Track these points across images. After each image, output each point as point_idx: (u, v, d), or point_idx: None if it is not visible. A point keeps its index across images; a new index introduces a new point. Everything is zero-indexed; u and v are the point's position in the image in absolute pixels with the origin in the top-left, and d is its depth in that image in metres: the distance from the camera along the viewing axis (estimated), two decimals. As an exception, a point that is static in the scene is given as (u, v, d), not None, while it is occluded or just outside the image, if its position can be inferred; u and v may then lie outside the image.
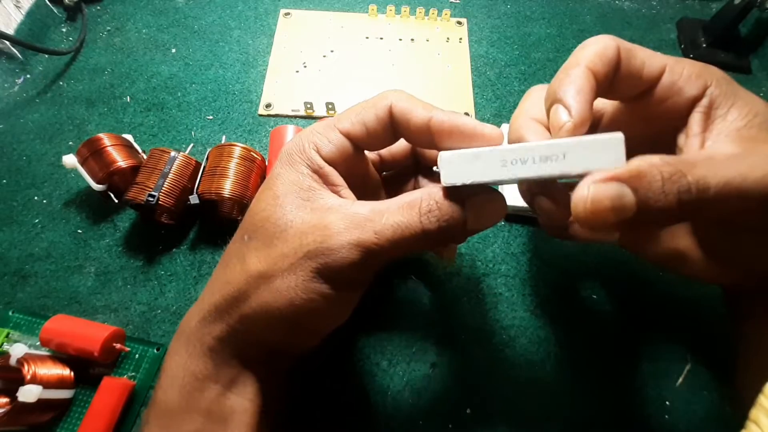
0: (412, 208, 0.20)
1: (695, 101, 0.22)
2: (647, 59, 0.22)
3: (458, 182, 0.19)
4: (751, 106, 0.22)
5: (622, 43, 0.22)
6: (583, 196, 0.18)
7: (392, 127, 0.22)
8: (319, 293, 0.20)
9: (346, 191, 0.22)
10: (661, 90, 0.23)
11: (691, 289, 0.33)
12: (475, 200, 0.20)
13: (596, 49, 0.22)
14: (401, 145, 0.27)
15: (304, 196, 0.21)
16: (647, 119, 0.24)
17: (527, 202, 0.24)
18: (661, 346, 0.31)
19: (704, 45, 0.47)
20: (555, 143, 0.18)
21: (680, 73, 0.22)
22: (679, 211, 0.18)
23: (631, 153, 0.19)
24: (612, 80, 0.22)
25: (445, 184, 0.20)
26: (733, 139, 0.21)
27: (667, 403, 0.30)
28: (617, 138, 0.18)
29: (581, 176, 0.18)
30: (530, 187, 0.24)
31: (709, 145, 0.21)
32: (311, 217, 0.21)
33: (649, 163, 0.18)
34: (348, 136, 0.22)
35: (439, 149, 0.21)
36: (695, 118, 0.22)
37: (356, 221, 0.20)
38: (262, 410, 0.23)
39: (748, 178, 0.18)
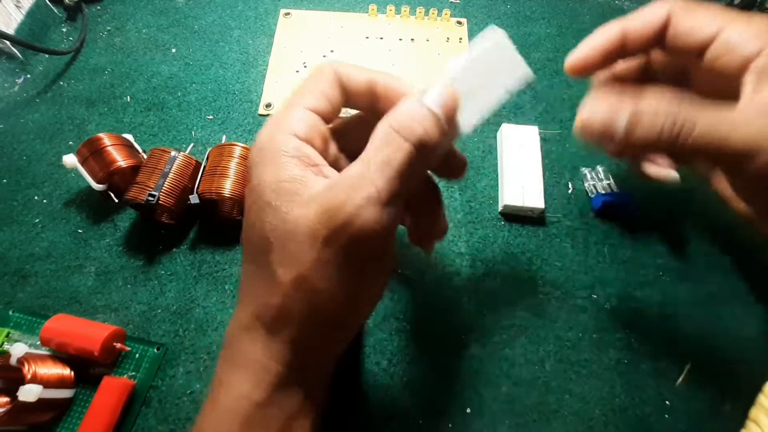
0: (385, 137, 0.20)
1: (749, 60, 0.22)
2: (703, 20, 0.24)
3: (476, 122, 0.22)
4: None
5: (680, 5, 0.24)
6: (579, 116, 0.22)
7: (342, 93, 0.23)
8: (356, 275, 0.20)
9: (328, 169, 0.21)
10: (716, 48, 0.23)
11: (691, 288, 0.34)
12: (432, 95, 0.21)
13: (645, 12, 0.25)
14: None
15: (294, 190, 0.20)
16: (709, 76, 0.25)
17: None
18: (661, 346, 0.32)
19: (704, 45, 0.47)
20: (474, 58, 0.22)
21: (738, 33, 0.23)
22: (654, 146, 0.21)
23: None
24: (659, 39, 0.25)
25: (469, 130, 0.22)
26: (765, 101, 0.21)
27: (667, 403, 0.30)
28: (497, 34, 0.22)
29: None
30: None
31: (744, 104, 0.22)
32: (315, 208, 0.20)
33: (653, 96, 0.21)
34: (316, 111, 0.22)
35: (378, 108, 0.23)
36: (749, 78, 0.22)
37: (352, 186, 0.19)
38: (317, 425, 0.23)
39: (731, 137, 0.21)
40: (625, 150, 0.22)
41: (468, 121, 0.22)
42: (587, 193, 0.37)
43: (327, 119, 0.22)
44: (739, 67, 0.23)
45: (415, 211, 0.26)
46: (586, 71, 0.26)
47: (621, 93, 0.22)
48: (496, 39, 0.22)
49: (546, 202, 0.37)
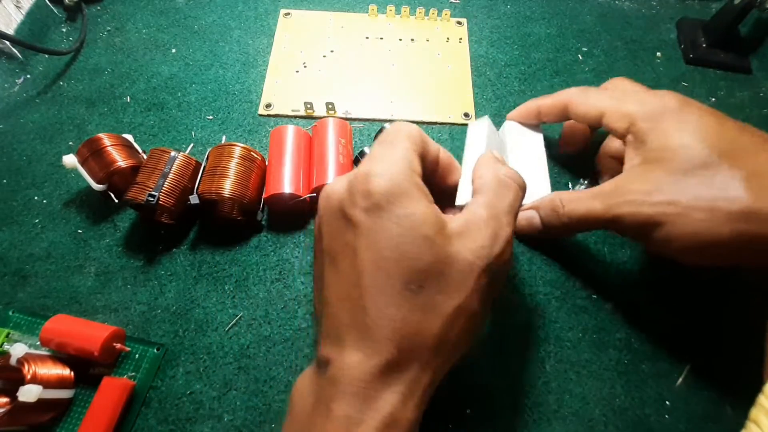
0: (501, 187, 0.25)
1: (624, 137, 0.30)
2: (590, 107, 0.32)
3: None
4: (656, 142, 0.28)
5: (576, 95, 0.33)
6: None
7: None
8: (489, 295, 0.23)
9: (452, 209, 0.28)
10: (604, 130, 0.32)
11: (691, 288, 0.33)
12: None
13: (552, 97, 0.34)
14: None
15: (440, 224, 0.22)
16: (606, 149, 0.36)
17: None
18: (661, 346, 0.31)
19: (704, 45, 0.47)
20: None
21: (614, 111, 0.30)
22: (564, 229, 0.31)
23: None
24: (562, 116, 0.34)
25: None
26: (622, 174, 0.30)
27: (667, 403, 0.30)
28: (479, 121, 0.33)
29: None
30: None
31: (623, 172, 0.30)
32: (465, 245, 0.22)
33: (545, 199, 0.32)
34: (417, 153, 0.25)
35: (434, 176, 0.28)
36: (627, 151, 0.30)
37: (496, 226, 0.23)
38: None
39: (591, 211, 0.29)
40: (545, 235, 0.33)
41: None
42: None
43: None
44: (620, 146, 0.31)
45: None
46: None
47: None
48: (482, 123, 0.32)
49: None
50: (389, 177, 0.22)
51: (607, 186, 0.29)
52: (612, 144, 0.35)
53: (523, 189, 0.26)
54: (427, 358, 0.21)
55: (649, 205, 0.27)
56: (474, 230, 0.22)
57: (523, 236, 0.35)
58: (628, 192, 0.28)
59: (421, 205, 0.22)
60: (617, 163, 0.33)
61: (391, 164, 0.22)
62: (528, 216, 0.33)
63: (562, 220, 0.30)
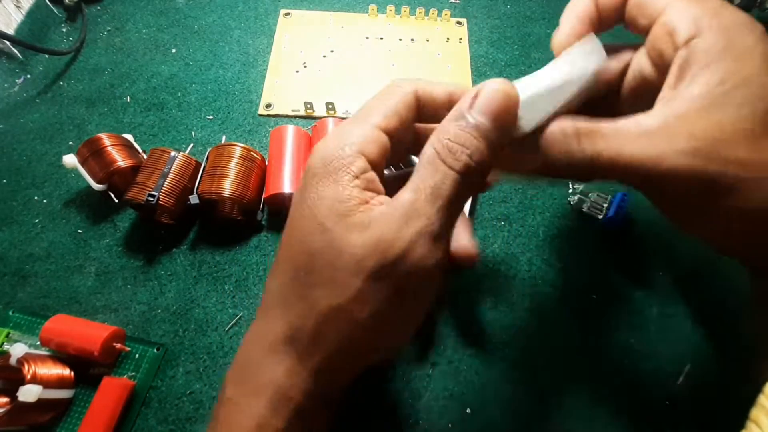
0: (432, 163, 0.19)
1: (678, 48, 0.20)
2: None
3: (536, 123, 0.21)
4: (728, 70, 0.19)
5: None
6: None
7: (415, 113, 0.22)
8: (402, 310, 0.19)
9: (384, 197, 0.20)
10: (656, 30, 0.22)
11: (691, 289, 0.33)
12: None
13: None
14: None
15: (350, 214, 0.19)
16: (653, 60, 0.23)
17: None
18: (661, 346, 0.31)
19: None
20: (562, 58, 0.22)
21: (678, 14, 0.21)
22: (572, 169, 0.21)
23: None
24: (622, 8, 0.23)
25: (527, 130, 0.21)
26: (673, 109, 0.20)
27: (667, 403, 0.30)
28: (591, 36, 0.22)
29: (588, 78, 0.22)
30: None
31: (656, 107, 0.21)
32: (367, 239, 0.18)
33: (556, 126, 0.21)
34: (386, 131, 0.20)
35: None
36: (672, 70, 0.21)
37: (404, 217, 0.18)
38: None
39: (635, 157, 0.19)
40: (549, 174, 0.22)
41: (531, 118, 0.21)
42: (593, 215, 0.36)
43: (393, 138, 0.21)
44: (672, 53, 0.21)
45: None
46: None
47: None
48: (592, 43, 0.22)
49: (547, 202, 0.37)
50: (322, 155, 0.20)
51: (652, 120, 0.20)
52: (646, 60, 0.23)
53: (466, 168, 0.19)
54: (303, 352, 0.20)
55: (723, 161, 0.19)
56: (382, 221, 0.18)
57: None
58: (691, 136, 0.19)
59: (334, 189, 0.19)
60: (650, 90, 0.23)
61: (338, 140, 0.20)
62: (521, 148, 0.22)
63: (578, 161, 0.20)
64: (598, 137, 0.20)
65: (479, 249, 0.35)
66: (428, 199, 0.18)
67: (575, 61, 0.22)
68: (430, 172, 0.19)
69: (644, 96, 0.21)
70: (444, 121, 0.20)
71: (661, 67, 0.22)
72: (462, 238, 0.23)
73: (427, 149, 0.19)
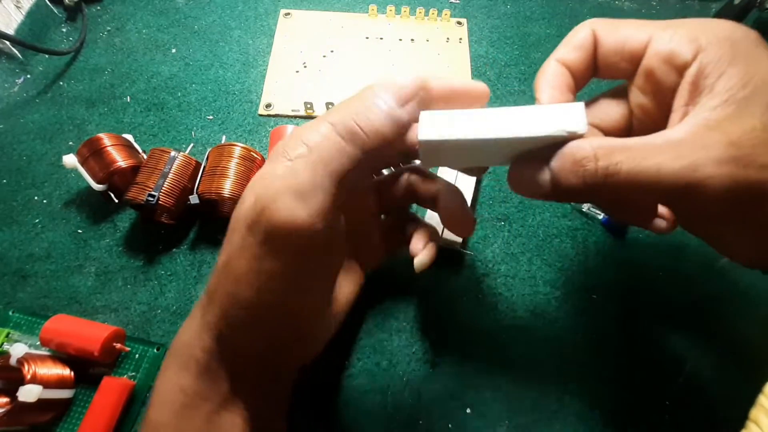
0: (326, 130, 0.20)
1: (685, 68, 0.20)
2: (631, 32, 0.22)
3: (431, 138, 0.20)
4: (745, 75, 0.19)
5: (603, 23, 0.22)
6: (509, 171, 0.21)
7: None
8: (272, 270, 0.19)
9: None
10: (648, 60, 0.21)
11: (691, 289, 0.33)
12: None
13: (569, 37, 0.23)
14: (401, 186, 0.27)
15: (260, 181, 0.20)
16: (651, 95, 0.22)
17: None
18: (661, 346, 0.31)
19: (704, 45, 0.47)
20: (525, 108, 0.20)
21: (668, 39, 0.21)
22: (587, 191, 0.19)
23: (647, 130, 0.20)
24: (593, 63, 0.23)
25: (421, 139, 0.20)
26: (698, 119, 0.19)
27: (667, 403, 0.30)
28: (578, 105, 0.19)
29: (546, 140, 0.20)
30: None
31: (676, 123, 0.20)
32: (253, 195, 0.20)
33: (569, 145, 0.19)
34: (335, 126, 0.21)
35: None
36: (682, 89, 0.20)
37: (287, 174, 0.19)
38: (257, 425, 0.22)
39: (663, 169, 0.18)
40: (562, 199, 0.21)
41: (431, 131, 0.20)
42: (593, 215, 0.37)
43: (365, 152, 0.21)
44: (675, 78, 0.21)
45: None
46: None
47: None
48: (578, 108, 0.20)
49: (547, 202, 0.37)
50: (283, 141, 0.21)
51: (679, 132, 0.19)
52: (642, 97, 0.23)
53: (361, 143, 0.19)
54: (205, 312, 0.21)
55: (761, 167, 0.18)
56: (265, 181, 0.19)
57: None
58: (730, 143, 0.18)
59: (267, 167, 0.20)
60: (657, 109, 0.22)
61: (300, 131, 0.21)
62: (532, 170, 0.21)
63: (593, 180, 0.19)
64: (618, 151, 0.19)
65: (479, 248, 0.35)
66: (306, 160, 0.19)
67: (548, 120, 0.20)
68: (323, 138, 0.19)
69: (649, 133, 0.20)
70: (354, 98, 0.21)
71: (660, 97, 0.22)
72: (455, 207, 0.24)
73: (326, 120, 0.20)
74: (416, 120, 0.21)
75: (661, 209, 0.27)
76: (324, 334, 0.25)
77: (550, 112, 0.19)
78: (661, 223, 0.27)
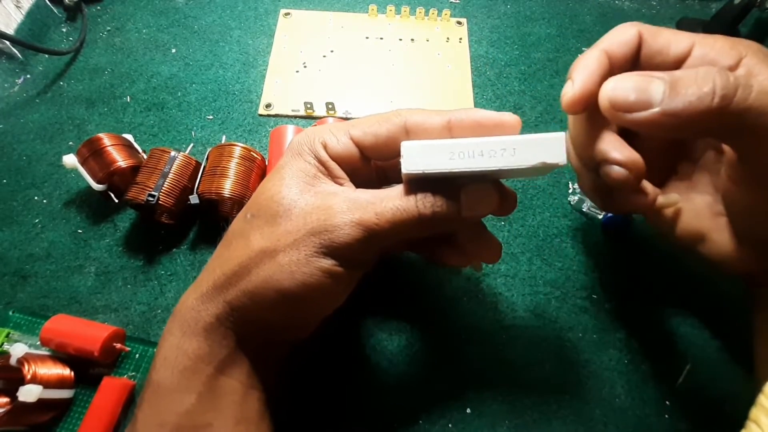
0: (409, 194, 0.22)
1: (732, 71, 0.21)
2: (674, 37, 0.24)
3: (413, 170, 0.21)
4: None
5: (646, 27, 0.24)
6: (604, 88, 0.21)
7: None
8: (321, 269, 0.21)
9: (348, 183, 0.24)
10: (692, 63, 0.23)
11: (691, 288, 0.33)
12: (468, 189, 0.22)
13: (615, 33, 0.24)
14: None
15: (309, 181, 0.23)
16: None
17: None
18: (661, 346, 0.31)
19: (704, 45, 0.47)
20: (505, 140, 0.20)
21: (712, 46, 0.23)
22: (701, 117, 0.20)
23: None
24: (635, 59, 0.24)
25: (404, 172, 0.21)
26: None
27: (667, 403, 0.30)
28: (559, 136, 0.20)
29: (527, 170, 0.21)
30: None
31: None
32: (315, 199, 0.22)
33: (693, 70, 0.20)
34: (357, 143, 0.23)
35: None
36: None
37: (358, 203, 0.22)
38: (255, 394, 0.23)
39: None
40: (660, 125, 0.20)
41: (415, 162, 0.20)
42: (593, 215, 0.37)
43: (372, 155, 0.24)
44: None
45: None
46: (588, 105, 0.23)
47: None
48: (559, 137, 0.20)
49: (546, 202, 0.37)
50: (298, 140, 0.24)
51: None
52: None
53: (421, 218, 0.22)
54: (223, 282, 0.22)
55: None
56: (340, 200, 0.22)
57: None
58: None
59: (300, 162, 0.23)
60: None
61: (313, 131, 0.24)
62: (637, 86, 0.21)
63: (722, 100, 0.19)
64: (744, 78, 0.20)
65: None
66: (386, 209, 0.21)
67: (531, 151, 0.20)
68: (403, 197, 0.22)
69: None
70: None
71: None
72: (479, 235, 0.25)
73: (410, 194, 0.22)
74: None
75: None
76: (319, 317, 0.26)
77: (533, 143, 0.20)
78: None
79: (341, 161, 0.23)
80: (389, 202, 0.21)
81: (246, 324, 0.23)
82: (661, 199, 0.26)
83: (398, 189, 0.22)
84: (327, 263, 0.21)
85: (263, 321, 0.23)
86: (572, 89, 0.23)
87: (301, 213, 0.22)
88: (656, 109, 0.20)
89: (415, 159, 0.20)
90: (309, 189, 0.22)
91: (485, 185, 0.22)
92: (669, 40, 0.24)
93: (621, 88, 0.21)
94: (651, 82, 0.20)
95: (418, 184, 0.22)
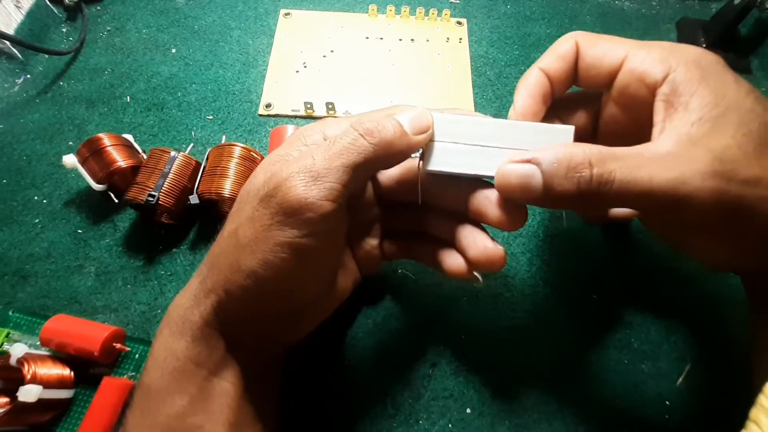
0: (349, 132, 0.22)
1: (656, 87, 0.22)
2: (609, 49, 0.23)
3: (439, 169, 0.23)
4: (715, 95, 0.20)
5: (585, 37, 0.24)
6: (498, 173, 0.22)
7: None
8: (280, 243, 0.20)
9: None
10: (623, 76, 0.23)
11: (691, 289, 0.33)
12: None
13: (554, 47, 0.25)
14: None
15: (274, 160, 0.22)
16: (624, 107, 0.24)
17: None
18: (661, 346, 0.31)
19: (704, 45, 0.47)
20: (515, 128, 0.22)
21: (644, 57, 0.22)
22: (579, 198, 0.20)
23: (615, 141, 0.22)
24: (573, 73, 0.25)
25: (429, 169, 0.23)
26: (680, 134, 0.20)
27: (667, 403, 0.30)
28: (567, 129, 0.22)
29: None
30: None
31: (658, 137, 0.21)
32: (268, 173, 0.22)
33: (563, 150, 0.20)
34: (355, 129, 0.23)
35: None
36: (657, 106, 0.22)
37: (303, 157, 0.21)
38: (248, 397, 0.23)
39: (655, 180, 0.19)
40: (550, 205, 0.22)
41: (435, 164, 0.23)
42: None
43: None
44: (647, 95, 0.22)
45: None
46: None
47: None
48: (567, 129, 0.22)
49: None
50: (299, 130, 0.25)
51: (665, 144, 0.20)
52: (615, 108, 0.25)
53: (377, 142, 0.21)
54: (205, 277, 0.23)
55: (743, 181, 0.19)
56: (287, 165, 0.21)
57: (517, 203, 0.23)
58: (714, 158, 0.19)
59: (284, 148, 0.23)
60: (628, 121, 0.24)
61: (314, 125, 0.24)
62: (523, 173, 0.21)
63: (587, 187, 0.20)
64: (610, 160, 0.19)
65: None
66: (327, 150, 0.21)
67: (536, 139, 0.22)
68: (343, 134, 0.22)
69: (616, 143, 0.21)
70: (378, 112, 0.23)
71: (632, 110, 0.24)
72: (480, 242, 0.25)
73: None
74: (422, 146, 0.23)
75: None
76: (314, 318, 0.26)
77: (544, 133, 0.22)
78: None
79: None
80: (322, 150, 0.21)
81: (231, 323, 0.22)
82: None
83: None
84: (285, 235, 0.20)
85: (245, 317, 0.23)
86: (514, 113, 0.25)
87: (256, 188, 0.22)
88: (538, 199, 0.21)
89: (439, 158, 0.23)
90: (268, 168, 0.22)
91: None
92: (604, 51, 0.24)
93: (505, 176, 0.22)
94: (531, 177, 0.21)
95: (433, 178, 0.25)
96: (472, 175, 0.23)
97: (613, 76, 0.23)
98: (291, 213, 0.20)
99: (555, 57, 0.25)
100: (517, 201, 0.23)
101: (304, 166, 0.20)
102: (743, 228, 0.20)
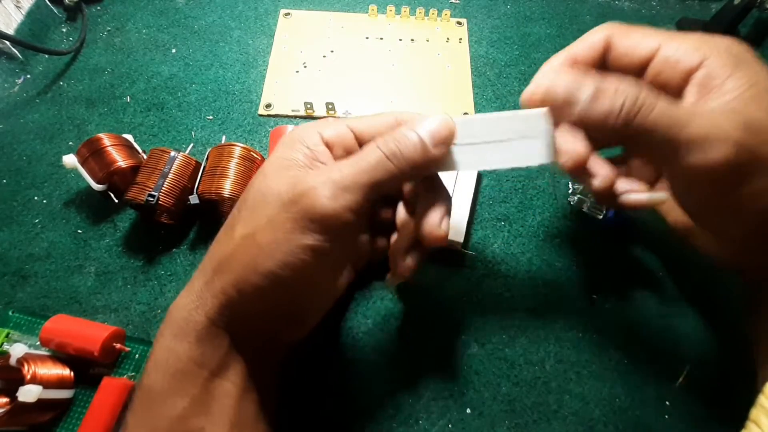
0: (373, 149, 0.22)
1: (691, 73, 0.23)
2: (642, 38, 0.25)
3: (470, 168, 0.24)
4: (750, 77, 0.22)
5: (618, 28, 0.26)
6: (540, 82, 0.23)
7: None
8: (301, 246, 0.21)
9: (332, 162, 0.24)
10: (656, 65, 0.24)
11: (691, 288, 0.33)
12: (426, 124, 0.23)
13: (584, 37, 0.26)
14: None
15: (286, 165, 0.23)
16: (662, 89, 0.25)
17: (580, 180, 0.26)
18: (661, 346, 0.31)
19: (704, 45, 0.47)
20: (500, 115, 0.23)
21: (677, 47, 0.24)
22: (615, 122, 0.21)
23: None
24: (602, 62, 0.26)
25: (460, 168, 0.24)
26: (715, 103, 0.22)
27: (667, 403, 0.30)
28: (537, 113, 0.23)
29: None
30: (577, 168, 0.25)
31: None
32: (290, 179, 0.22)
33: (614, 78, 0.22)
34: (352, 129, 0.24)
35: None
36: (690, 89, 0.23)
37: (328, 168, 0.22)
38: (250, 397, 0.23)
39: (691, 119, 0.21)
40: (579, 123, 0.23)
41: (463, 162, 0.24)
42: (593, 215, 0.36)
43: (362, 141, 0.25)
44: (680, 80, 0.23)
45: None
46: (544, 103, 0.25)
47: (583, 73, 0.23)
48: (536, 113, 0.23)
49: (546, 202, 0.37)
50: (292, 131, 0.25)
51: (698, 105, 0.22)
52: (651, 84, 0.25)
53: (398, 164, 0.22)
54: (211, 277, 0.22)
55: (763, 142, 0.21)
56: (312, 173, 0.22)
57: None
58: (734, 117, 0.21)
59: (285, 151, 0.23)
60: None
61: (310, 124, 0.25)
62: (568, 87, 0.22)
63: (629, 109, 0.21)
64: (656, 96, 0.21)
65: (479, 248, 0.35)
66: (354, 165, 0.22)
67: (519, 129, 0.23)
68: (369, 152, 0.22)
69: None
70: (398, 130, 0.23)
71: (669, 92, 0.24)
72: (435, 217, 0.24)
73: (370, 144, 0.23)
74: (442, 157, 0.23)
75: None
76: (315, 316, 0.26)
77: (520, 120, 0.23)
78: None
79: (336, 144, 0.24)
80: (350, 163, 0.22)
81: (238, 322, 0.22)
82: (643, 197, 0.26)
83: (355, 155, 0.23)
84: (307, 239, 0.21)
85: (255, 316, 0.23)
86: (531, 87, 0.25)
87: (276, 193, 0.22)
88: (576, 110, 0.22)
89: (467, 157, 0.23)
90: (285, 173, 0.22)
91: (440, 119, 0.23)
92: (637, 41, 0.25)
93: (554, 85, 0.23)
94: (580, 87, 0.22)
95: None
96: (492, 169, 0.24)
97: (645, 64, 0.25)
98: (315, 220, 0.21)
99: (586, 45, 0.26)
100: (559, 113, 0.23)
101: (331, 178, 0.21)
102: (757, 191, 0.21)
